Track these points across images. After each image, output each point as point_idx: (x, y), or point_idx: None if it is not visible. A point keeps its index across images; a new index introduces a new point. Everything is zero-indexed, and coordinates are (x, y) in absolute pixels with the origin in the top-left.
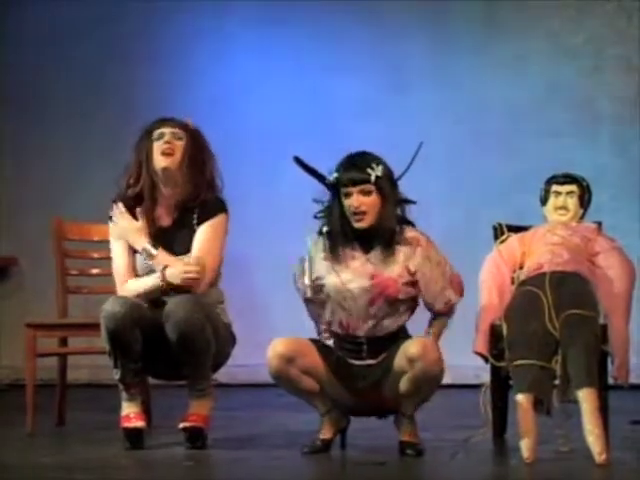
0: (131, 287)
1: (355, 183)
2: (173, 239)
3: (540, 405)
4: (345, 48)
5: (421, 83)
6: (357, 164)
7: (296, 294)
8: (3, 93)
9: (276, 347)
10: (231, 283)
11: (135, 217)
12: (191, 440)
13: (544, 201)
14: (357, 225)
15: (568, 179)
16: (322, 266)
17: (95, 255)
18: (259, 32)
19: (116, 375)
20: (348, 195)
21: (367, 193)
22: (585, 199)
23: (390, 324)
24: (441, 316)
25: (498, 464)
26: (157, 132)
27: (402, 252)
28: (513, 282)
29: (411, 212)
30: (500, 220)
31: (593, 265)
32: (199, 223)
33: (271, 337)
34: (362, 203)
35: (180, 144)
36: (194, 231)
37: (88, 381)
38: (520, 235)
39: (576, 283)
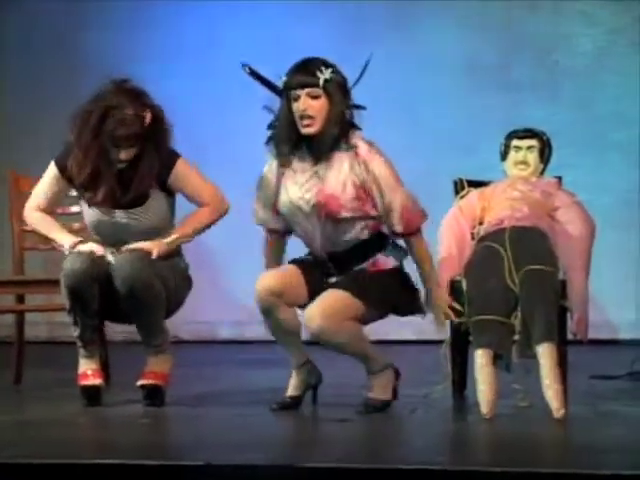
0: (35, 221)
1: (303, 86)
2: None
3: (499, 360)
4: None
5: (383, 35)
6: (306, 67)
7: (258, 247)
8: None
9: (264, 281)
10: (196, 239)
11: (71, 184)
12: (149, 397)
13: (504, 156)
14: (304, 131)
15: (528, 133)
16: (275, 187)
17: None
18: None
19: (75, 332)
20: (296, 99)
21: (315, 97)
22: (545, 154)
23: (348, 240)
24: (410, 237)
25: (457, 420)
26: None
27: (347, 161)
28: (473, 237)
29: None
30: (460, 175)
31: (553, 220)
32: (162, 180)
33: (231, 293)
34: (309, 106)
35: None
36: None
37: (46, 338)
38: (480, 190)
39: (536, 238)
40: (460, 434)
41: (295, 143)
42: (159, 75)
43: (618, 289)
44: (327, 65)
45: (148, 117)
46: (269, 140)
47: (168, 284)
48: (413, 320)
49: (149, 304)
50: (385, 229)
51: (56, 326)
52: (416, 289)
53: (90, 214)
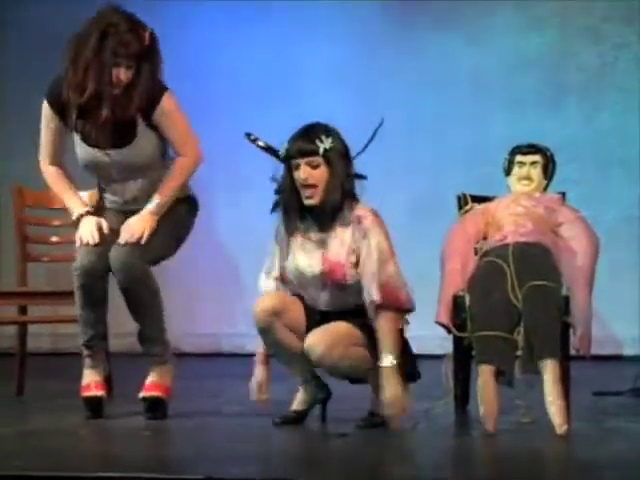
0: (51, 180)
1: (303, 154)
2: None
3: (502, 376)
4: (316, 14)
5: (388, 52)
6: (306, 135)
7: (260, 260)
8: None
9: (264, 301)
10: (199, 252)
11: (65, 120)
12: (151, 410)
13: (508, 171)
14: (307, 202)
15: (532, 149)
16: (281, 255)
17: (56, 223)
18: None
19: (82, 338)
20: (297, 167)
21: (315, 166)
22: (549, 169)
23: (354, 300)
24: (382, 310)
25: (459, 435)
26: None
27: (350, 231)
28: (476, 253)
29: (373, 181)
30: (464, 190)
31: (556, 236)
32: (147, 115)
33: (233, 306)
34: (310, 175)
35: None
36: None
37: (49, 350)
38: (484, 205)
39: (539, 254)
40: (462, 449)
41: (300, 211)
42: None
43: (621, 305)
44: (328, 133)
45: (147, 37)
46: (275, 207)
47: (162, 232)
48: (415, 334)
49: (143, 299)
50: None
51: (59, 338)
52: (414, 356)
53: (83, 154)
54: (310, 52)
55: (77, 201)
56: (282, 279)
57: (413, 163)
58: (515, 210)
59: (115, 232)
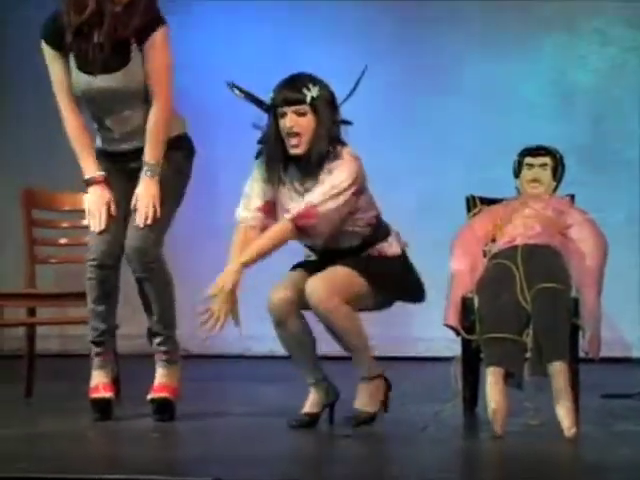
0: (72, 133)
1: (289, 103)
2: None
3: (511, 378)
4: (322, 20)
5: (392, 54)
6: (293, 84)
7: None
8: None
9: (277, 292)
10: (207, 252)
11: (64, 52)
12: (159, 412)
13: (517, 173)
14: (292, 152)
15: (541, 151)
16: (264, 191)
17: (64, 225)
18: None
19: (93, 332)
20: (283, 116)
21: (302, 114)
22: (558, 172)
23: (349, 240)
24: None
25: (468, 437)
26: None
27: (328, 171)
28: (485, 255)
29: (379, 181)
30: (473, 192)
31: (565, 238)
32: (139, 41)
33: (243, 309)
34: (296, 124)
35: None
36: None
37: (58, 351)
38: (493, 207)
39: (548, 256)
40: (471, 451)
41: (284, 160)
42: None
43: (631, 307)
44: (314, 82)
45: None
46: (258, 155)
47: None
48: (423, 336)
49: (157, 290)
50: (382, 217)
51: (68, 339)
52: (419, 276)
53: (80, 83)
54: (311, 54)
55: (92, 162)
56: (266, 211)
57: (423, 165)
58: (524, 212)
59: (117, 202)
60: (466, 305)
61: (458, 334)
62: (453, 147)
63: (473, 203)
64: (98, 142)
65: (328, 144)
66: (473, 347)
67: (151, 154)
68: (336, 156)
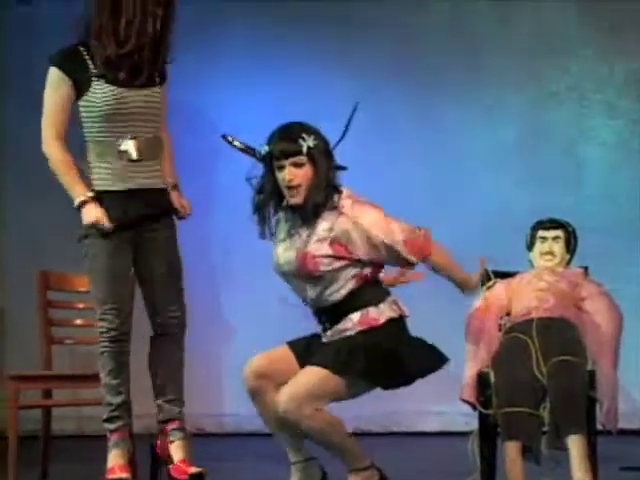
0: (55, 160)
1: (287, 155)
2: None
3: (529, 452)
4: (328, 98)
5: (405, 130)
6: (288, 135)
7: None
8: None
9: (252, 362)
10: (217, 333)
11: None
12: None
13: (530, 246)
14: (291, 201)
15: (554, 224)
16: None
17: (80, 305)
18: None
19: (108, 408)
20: (281, 168)
21: (299, 165)
22: (571, 244)
23: (337, 292)
24: (428, 260)
25: None
26: None
27: (325, 221)
28: (500, 328)
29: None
30: (486, 266)
31: (580, 310)
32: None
33: None
34: (295, 175)
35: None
36: None
37: (74, 432)
38: (506, 281)
39: (563, 329)
40: None
41: (283, 210)
42: None
43: None
44: (308, 131)
45: None
46: (258, 208)
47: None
48: (440, 410)
49: (182, 354)
50: (378, 277)
51: (84, 420)
52: (416, 347)
53: (109, 97)
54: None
55: (82, 187)
56: None
57: (438, 236)
58: (538, 285)
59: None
60: (482, 380)
61: (475, 409)
62: (466, 218)
63: (487, 277)
64: (101, 183)
65: (325, 192)
66: (490, 422)
67: (173, 175)
68: (333, 204)
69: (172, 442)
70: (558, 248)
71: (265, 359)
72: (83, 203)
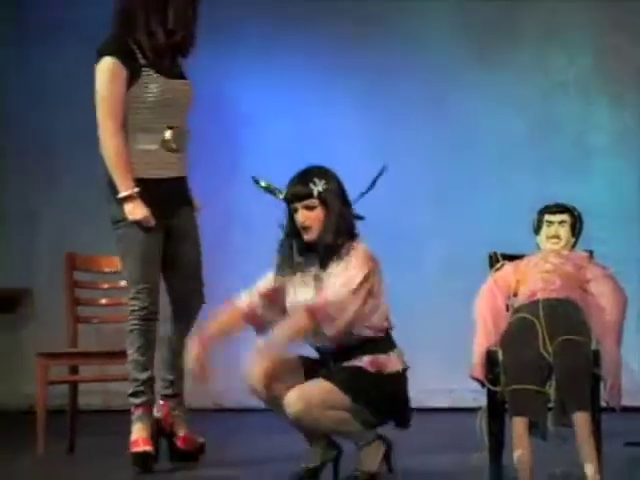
0: (110, 152)
1: (299, 198)
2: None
3: (535, 428)
4: (342, 83)
5: (418, 117)
6: (301, 180)
7: None
8: (9, 128)
9: (252, 371)
10: None
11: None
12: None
13: (537, 230)
14: (306, 238)
15: (560, 208)
16: (277, 285)
17: (105, 286)
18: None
19: (134, 383)
20: (296, 211)
21: (311, 208)
22: (577, 228)
23: (350, 339)
24: None
25: None
26: None
27: (339, 265)
28: (508, 309)
29: (403, 240)
30: (495, 249)
31: (585, 292)
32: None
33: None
34: (307, 218)
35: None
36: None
37: (100, 407)
38: (514, 263)
39: (568, 310)
40: None
41: (303, 249)
42: None
43: None
44: (322, 175)
45: None
46: (281, 249)
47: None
48: (450, 388)
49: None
50: (390, 333)
51: (109, 395)
52: (409, 402)
53: (162, 87)
54: (331, 120)
55: (130, 180)
56: (270, 297)
57: (446, 222)
58: (544, 267)
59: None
60: (491, 358)
61: (483, 386)
62: (474, 205)
63: (495, 259)
64: (143, 169)
65: (336, 235)
66: (498, 398)
67: None
68: (348, 250)
69: (175, 416)
70: (564, 232)
71: (265, 363)
72: (129, 198)
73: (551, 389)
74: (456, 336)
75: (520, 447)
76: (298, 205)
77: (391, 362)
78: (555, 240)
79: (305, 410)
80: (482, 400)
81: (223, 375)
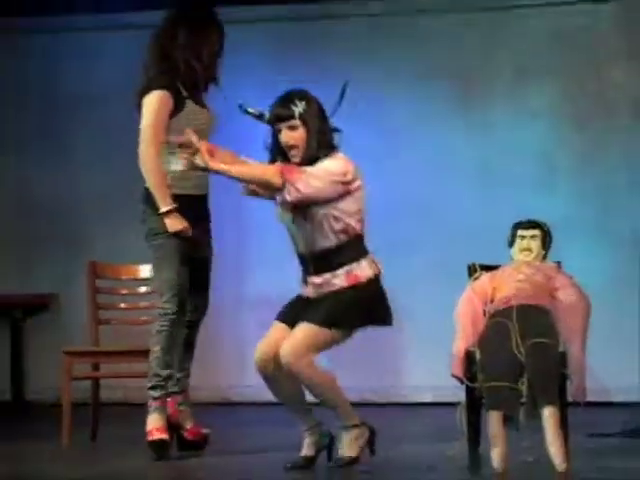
0: (150, 168)
1: (281, 119)
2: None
3: (509, 421)
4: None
5: (407, 145)
6: (282, 102)
7: None
8: (28, 136)
9: (258, 349)
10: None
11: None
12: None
13: (511, 243)
14: (292, 160)
15: (532, 224)
16: None
17: (123, 291)
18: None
19: (156, 379)
20: (279, 131)
21: (293, 128)
22: (547, 242)
23: (321, 241)
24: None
25: (472, 474)
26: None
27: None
28: (485, 314)
29: (392, 249)
30: (473, 260)
31: (554, 299)
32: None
33: None
34: (290, 138)
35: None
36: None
37: (120, 400)
38: (491, 273)
39: (539, 315)
40: None
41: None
42: None
43: (612, 359)
44: (302, 97)
45: None
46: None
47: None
48: (432, 385)
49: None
50: (364, 241)
51: (129, 390)
52: (388, 301)
53: (198, 115)
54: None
55: (169, 197)
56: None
57: (428, 238)
58: (517, 277)
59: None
60: (469, 358)
61: (462, 383)
62: (454, 221)
63: (474, 269)
64: (181, 186)
65: (318, 149)
66: (476, 394)
67: None
68: (329, 157)
69: (182, 411)
70: (535, 245)
71: (266, 345)
72: (170, 212)
73: (523, 386)
74: (439, 338)
75: (495, 438)
76: (282, 126)
77: (364, 271)
78: (527, 252)
79: (294, 360)
80: (461, 396)
81: (231, 370)
